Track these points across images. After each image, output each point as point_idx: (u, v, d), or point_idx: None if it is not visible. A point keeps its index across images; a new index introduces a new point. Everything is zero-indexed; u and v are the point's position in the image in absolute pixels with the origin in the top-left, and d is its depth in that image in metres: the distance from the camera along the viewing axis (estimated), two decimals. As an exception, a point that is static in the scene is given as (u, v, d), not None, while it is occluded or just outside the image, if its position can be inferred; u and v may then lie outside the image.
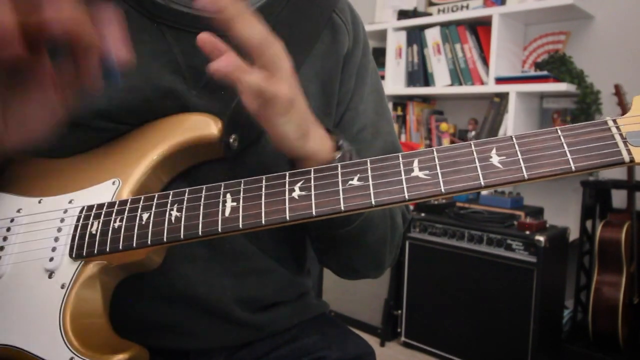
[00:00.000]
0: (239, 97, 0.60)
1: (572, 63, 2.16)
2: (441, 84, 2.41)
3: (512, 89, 2.14)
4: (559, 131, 0.44)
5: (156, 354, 0.63)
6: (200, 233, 0.50)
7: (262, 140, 0.64)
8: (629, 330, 1.88)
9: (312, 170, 0.49)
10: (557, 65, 2.16)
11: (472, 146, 0.46)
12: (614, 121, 0.43)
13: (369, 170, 0.48)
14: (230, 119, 0.59)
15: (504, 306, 1.86)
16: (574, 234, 2.01)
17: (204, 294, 0.63)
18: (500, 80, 2.20)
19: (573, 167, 0.42)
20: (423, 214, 2.12)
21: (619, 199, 2.00)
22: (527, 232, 1.83)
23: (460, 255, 1.97)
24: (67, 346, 0.50)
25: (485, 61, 2.31)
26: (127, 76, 0.58)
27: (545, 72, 2.12)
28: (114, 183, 0.57)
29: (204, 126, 0.59)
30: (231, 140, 0.59)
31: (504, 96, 2.23)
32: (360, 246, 0.67)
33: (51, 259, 0.54)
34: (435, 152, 0.47)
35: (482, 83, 2.30)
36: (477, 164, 0.45)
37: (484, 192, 2.22)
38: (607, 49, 2.13)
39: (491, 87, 2.22)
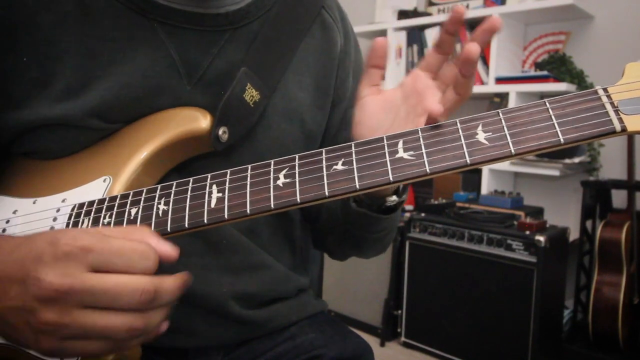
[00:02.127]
0: (230, 90, 0.60)
1: (572, 63, 2.16)
2: (441, 84, 2.41)
3: (512, 89, 2.14)
4: (547, 103, 0.43)
5: (154, 353, 0.63)
6: (186, 225, 0.50)
7: (253, 134, 0.64)
8: (629, 330, 1.88)
9: (297, 157, 0.49)
10: (557, 65, 2.16)
11: (458, 124, 0.45)
12: (605, 90, 0.42)
13: (354, 154, 0.47)
14: (221, 111, 0.59)
15: (504, 306, 1.86)
16: (574, 234, 2.01)
17: (200, 290, 0.62)
18: (500, 80, 2.20)
19: (562, 140, 0.41)
20: (423, 214, 2.12)
21: (619, 199, 2.00)
22: (527, 232, 1.83)
23: (460, 255, 1.97)
24: None
25: (485, 61, 2.31)
26: (120, 73, 0.58)
27: (545, 72, 2.12)
28: (104, 180, 0.57)
29: (193, 120, 0.59)
30: (221, 132, 0.59)
31: (504, 96, 2.23)
32: (382, 242, 0.72)
33: None
34: (420, 132, 0.46)
35: (482, 83, 2.30)
36: (463, 141, 0.44)
37: (484, 192, 2.22)
38: (607, 49, 2.13)
39: (491, 87, 2.22)
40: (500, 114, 0.44)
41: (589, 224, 1.99)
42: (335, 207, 0.72)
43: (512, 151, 0.42)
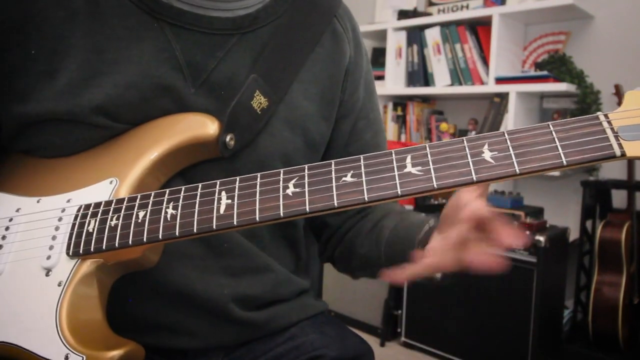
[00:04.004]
0: (238, 97, 0.61)
1: (572, 63, 2.15)
2: (441, 84, 2.41)
3: (512, 89, 2.14)
4: (550, 126, 0.44)
5: (154, 353, 0.63)
6: (195, 230, 0.50)
7: (258, 141, 0.64)
8: (629, 330, 1.88)
9: (306, 167, 0.50)
10: (557, 65, 2.16)
11: (465, 142, 0.46)
12: (606, 116, 0.43)
13: (362, 167, 0.48)
14: (228, 118, 0.60)
15: (504, 306, 1.86)
16: (574, 234, 2.01)
17: (201, 291, 0.63)
18: (500, 80, 2.20)
19: (564, 162, 0.43)
20: (423, 214, 2.11)
21: (619, 199, 2.00)
22: (527, 232, 1.83)
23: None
24: (63, 343, 0.50)
25: (485, 61, 2.31)
26: (125, 72, 0.58)
27: (545, 72, 2.11)
28: (111, 182, 0.57)
29: (201, 126, 0.59)
30: (228, 139, 0.60)
31: (504, 96, 2.23)
32: None
33: (48, 257, 0.54)
34: (428, 149, 0.47)
35: (482, 83, 2.29)
36: (469, 159, 0.45)
37: (484, 192, 2.22)
38: (607, 49, 2.13)
39: (491, 87, 2.22)
40: (506, 135, 0.45)
41: (589, 224, 1.99)
42: (374, 251, 0.70)
43: (517, 170, 0.44)
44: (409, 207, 2.36)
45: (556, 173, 2.03)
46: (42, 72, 0.58)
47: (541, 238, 1.78)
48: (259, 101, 0.62)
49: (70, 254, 0.54)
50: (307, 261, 0.80)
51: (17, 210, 0.59)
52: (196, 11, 0.61)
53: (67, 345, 0.50)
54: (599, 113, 0.44)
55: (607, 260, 1.86)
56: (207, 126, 0.59)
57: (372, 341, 2.20)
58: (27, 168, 0.63)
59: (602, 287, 1.85)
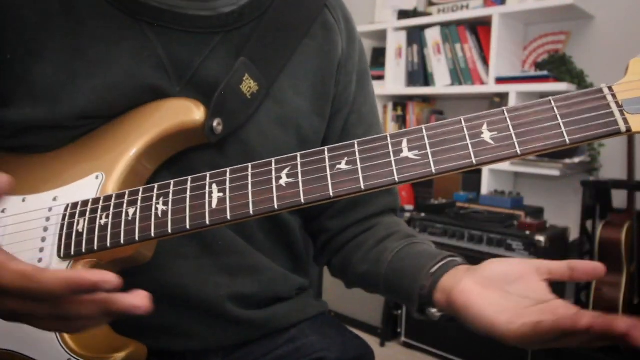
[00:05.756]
0: (227, 80, 0.59)
1: (572, 63, 2.15)
2: (441, 84, 2.41)
3: (512, 89, 2.14)
4: (552, 102, 0.42)
5: (152, 356, 0.62)
6: (188, 227, 0.48)
7: (247, 126, 0.62)
8: (629, 331, 1.88)
9: (299, 155, 0.48)
10: (557, 65, 2.16)
11: (463, 122, 0.44)
12: (610, 88, 0.41)
13: (357, 153, 0.46)
14: (215, 102, 0.58)
15: (504, 306, 1.86)
16: (574, 234, 2.01)
17: (197, 291, 0.62)
18: (500, 80, 2.20)
19: (567, 140, 0.40)
20: (423, 214, 2.12)
21: (619, 199, 2.00)
22: (527, 232, 1.83)
23: (461, 256, 1.97)
24: (63, 348, 0.49)
25: (485, 61, 2.31)
26: (105, 74, 0.57)
27: (545, 72, 2.11)
28: (97, 177, 0.56)
29: (187, 111, 0.57)
30: (215, 124, 0.58)
31: (504, 96, 2.23)
32: None
33: (40, 260, 0.53)
34: (424, 131, 0.45)
35: (482, 83, 2.29)
36: (468, 141, 0.43)
37: (484, 192, 2.22)
38: (607, 49, 2.13)
39: (491, 87, 2.22)
40: (505, 113, 0.43)
41: (589, 224, 1.98)
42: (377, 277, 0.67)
43: (518, 152, 0.41)
44: (409, 207, 2.36)
45: (556, 173, 2.02)
46: (19, 77, 0.56)
47: (541, 238, 1.77)
48: (249, 85, 0.60)
49: (62, 255, 0.52)
50: (305, 261, 0.79)
51: (3, 211, 0.57)
52: (177, 10, 0.59)
53: (67, 351, 0.49)
54: (602, 85, 0.41)
55: (607, 261, 1.85)
56: (192, 111, 0.57)
57: (372, 341, 2.20)
58: (9, 165, 0.60)
59: (602, 287, 1.85)
